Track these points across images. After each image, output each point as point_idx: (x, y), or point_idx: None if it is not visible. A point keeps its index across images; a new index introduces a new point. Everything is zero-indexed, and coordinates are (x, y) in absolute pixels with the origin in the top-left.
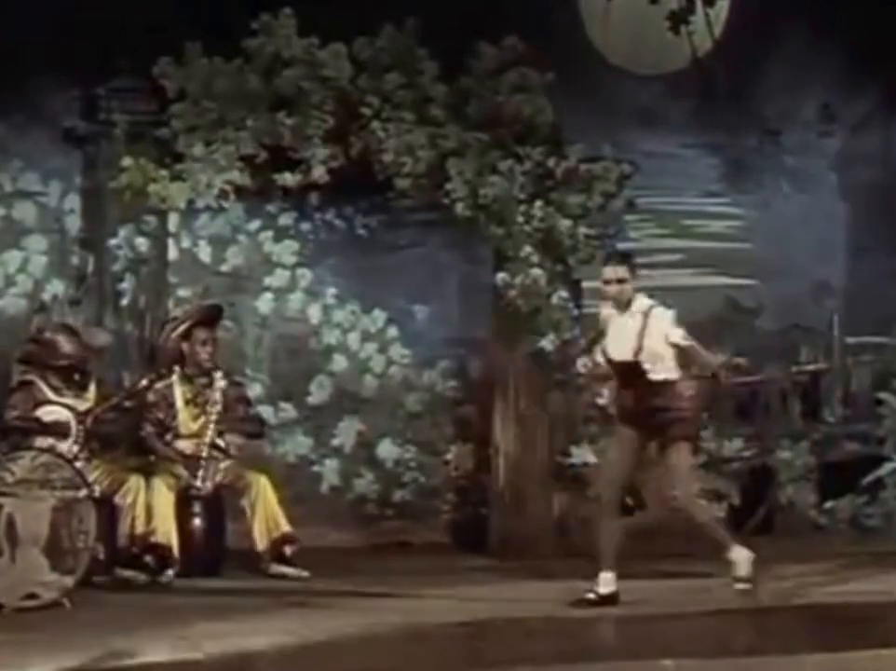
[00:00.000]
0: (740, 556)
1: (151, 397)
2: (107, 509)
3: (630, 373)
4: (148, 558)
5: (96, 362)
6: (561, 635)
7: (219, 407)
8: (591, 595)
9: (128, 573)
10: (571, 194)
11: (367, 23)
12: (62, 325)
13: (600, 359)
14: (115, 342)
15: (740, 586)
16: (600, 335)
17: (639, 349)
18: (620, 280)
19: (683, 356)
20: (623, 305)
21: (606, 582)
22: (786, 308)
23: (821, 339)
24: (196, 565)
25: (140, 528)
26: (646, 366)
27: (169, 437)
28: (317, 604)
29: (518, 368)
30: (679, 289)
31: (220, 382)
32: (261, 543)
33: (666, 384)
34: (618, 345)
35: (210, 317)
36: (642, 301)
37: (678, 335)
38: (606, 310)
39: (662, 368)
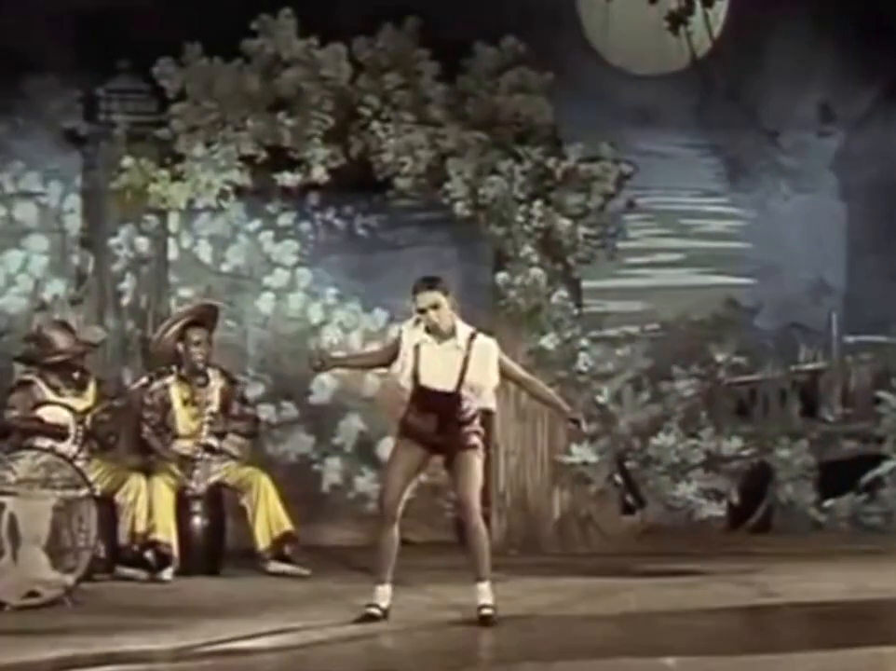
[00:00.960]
0: (485, 588)
1: (148, 399)
2: (108, 507)
3: (445, 402)
4: (149, 555)
5: (96, 362)
6: (562, 632)
7: (213, 407)
8: (375, 611)
9: (128, 571)
10: (570, 194)
11: (366, 24)
12: (57, 322)
13: (407, 384)
14: (116, 342)
15: (485, 612)
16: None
17: (461, 382)
18: (435, 307)
19: (526, 387)
20: (443, 333)
21: (384, 596)
22: (785, 307)
23: (820, 338)
24: (195, 563)
25: (141, 526)
26: (466, 398)
27: (168, 438)
28: (317, 602)
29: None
30: (678, 288)
31: (215, 381)
32: (262, 542)
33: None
34: (438, 375)
35: (204, 317)
36: (464, 329)
37: (516, 369)
38: (413, 335)
39: (483, 399)
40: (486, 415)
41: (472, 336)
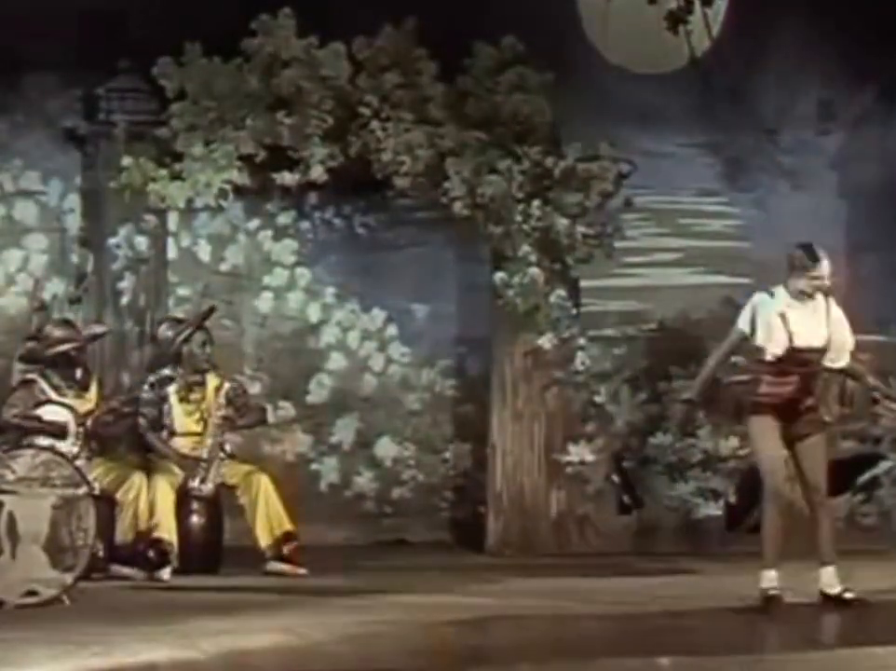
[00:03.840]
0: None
1: (146, 394)
2: (108, 506)
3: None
4: (151, 553)
5: (96, 362)
6: (559, 632)
7: (222, 412)
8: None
9: (125, 570)
10: (569, 193)
11: (366, 23)
12: (58, 320)
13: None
14: (115, 341)
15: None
16: None
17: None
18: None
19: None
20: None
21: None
22: None
23: None
24: (194, 562)
25: (143, 524)
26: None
27: (164, 434)
28: (315, 602)
29: (516, 367)
30: (677, 288)
31: (214, 382)
32: (263, 541)
33: None
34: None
35: (207, 318)
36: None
37: None
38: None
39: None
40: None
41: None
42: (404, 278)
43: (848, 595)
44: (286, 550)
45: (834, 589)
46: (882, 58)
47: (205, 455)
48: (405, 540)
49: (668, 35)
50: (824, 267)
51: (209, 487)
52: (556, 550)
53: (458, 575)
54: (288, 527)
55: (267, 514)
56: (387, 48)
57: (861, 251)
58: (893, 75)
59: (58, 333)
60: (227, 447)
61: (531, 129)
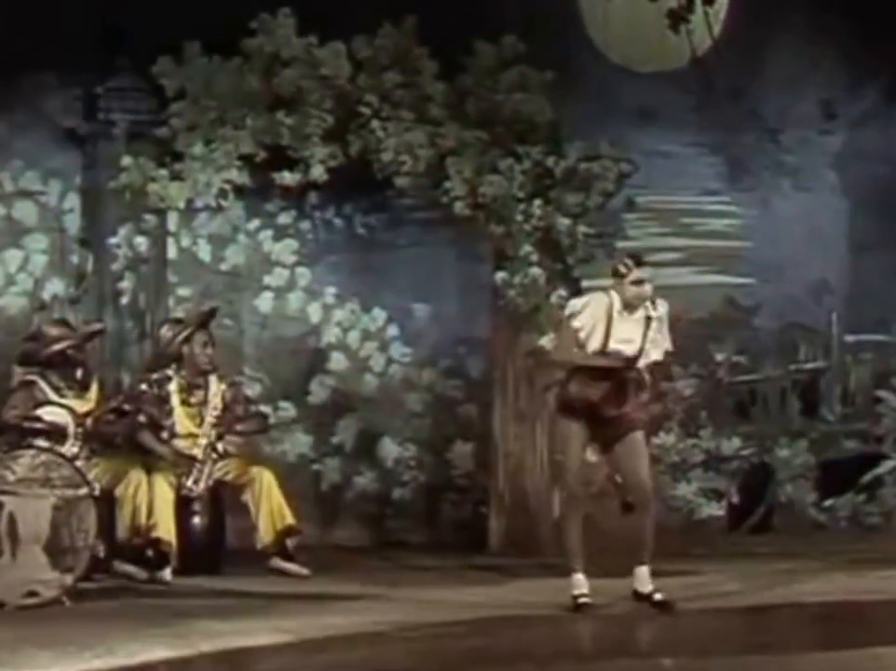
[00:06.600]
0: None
1: (145, 395)
2: (108, 505)
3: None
4: (150, 552)
5: (95, 362)
6: (561, 633)
7: (217, 412)
8: (584, 600)
9: (127, 568)
10: (570, 193)
11: (366, 22)
12: (55, 320)
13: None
14: (115, 341)
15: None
16: None
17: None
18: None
19: None
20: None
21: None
22: (785, 306)
23: (821, 337)
24: (195, 563)
25: (142, 521)
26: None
27: (164, 436)
28: (317, 602)
29: (518, 367)
30: (678, 287)
31: (216, 384)
32: (265, 537)
33: None
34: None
35: (209, 319)
36: None
37: None
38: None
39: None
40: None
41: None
42: (405, 278)
43: (657, 597)
44: (289, 544)
45: (646, 588)
46: (883, 57)
47: (199, 455)
48: (407, 541)
49: (669, 34)
50: (644, 272)
51: (200, 488)
52: (558, 550)
53: (460, 576)
54: (290, 520)
55: (270, 510)
56: (387, 47)
57: (862, 250)
58: (895, 74)
59: (54, 332)
60: (220, 448)
61: (532, 128)
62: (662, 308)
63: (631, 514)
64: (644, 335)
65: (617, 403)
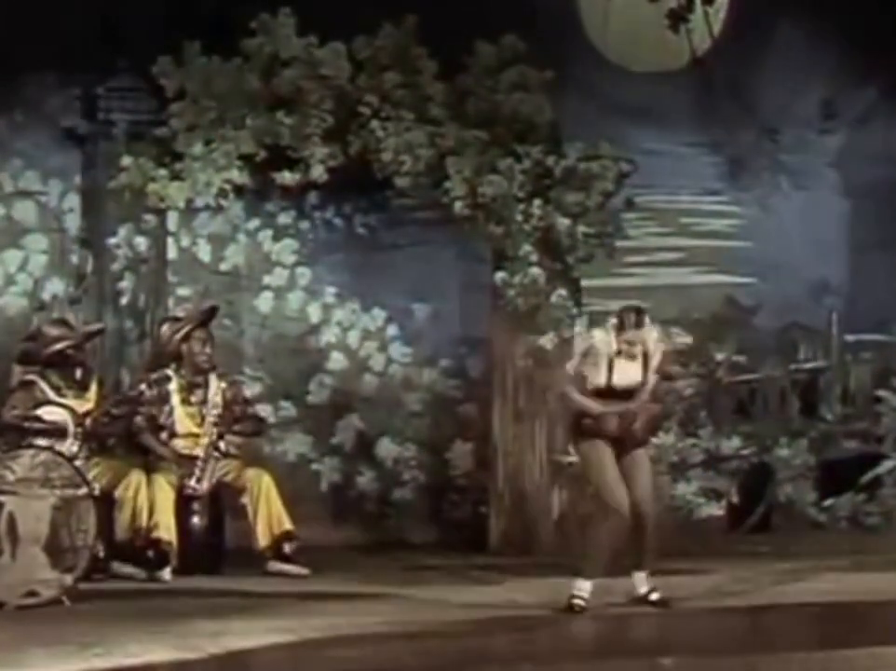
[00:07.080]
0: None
1: (146, 392)
2: (107, 506)
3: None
4: (150, 553)
5: (95, 362)
6: (560, 633)
7: (218, 410)
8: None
9: (126, 569)
10: (570, 192)
11: (366, 22)
12: (55, 320)
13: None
14: (114, 341)
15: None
16: None
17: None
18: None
19: None
20: None
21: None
22: (785, 305)
23: (820, 337)
24: (195, 563)
25: (142, 522)
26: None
27: (164, 436)
28: (316, 602)
29: (517, 367)
30: (678, 287)
31: (216, 383)
32: (263, 540)
33: None
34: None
35: (208, 318)
36: None
37: None
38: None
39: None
40: None
41: None
42: (405, 277)
43: (654, 596)
44: (286, 549)
45: (643, 589)
46: (884, 56)
47: (201, 454)
48: (406, 541)
49: (669, 34)
50: (640, 334)
51: (204, 487)
52: (558, 550)
53: (460, 575)
54: (287, 526)
55: (268, 514)
56: (387, 47)
57: (862, 250)
58: (895, 73)
59: (53, 332)
60: (222, 447)
61: (531, 128)
62: (654, 338)
63: None
64: (644, 370)
65: (626, 422)
